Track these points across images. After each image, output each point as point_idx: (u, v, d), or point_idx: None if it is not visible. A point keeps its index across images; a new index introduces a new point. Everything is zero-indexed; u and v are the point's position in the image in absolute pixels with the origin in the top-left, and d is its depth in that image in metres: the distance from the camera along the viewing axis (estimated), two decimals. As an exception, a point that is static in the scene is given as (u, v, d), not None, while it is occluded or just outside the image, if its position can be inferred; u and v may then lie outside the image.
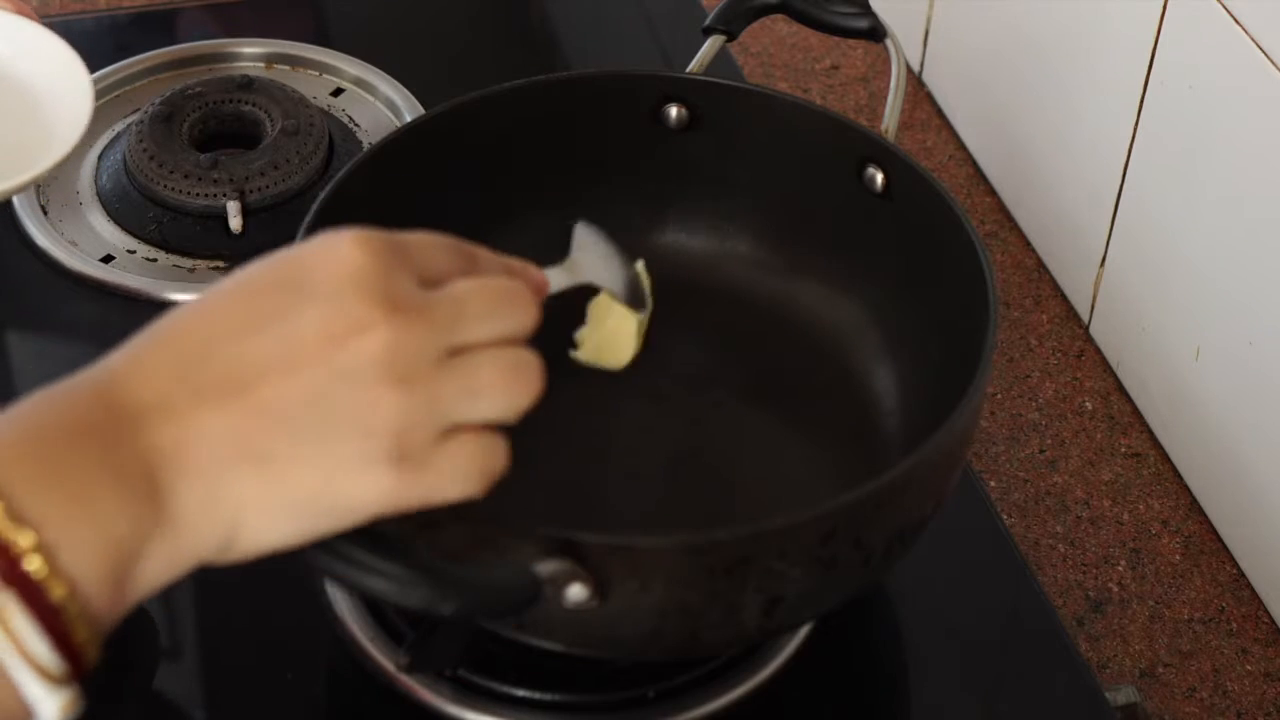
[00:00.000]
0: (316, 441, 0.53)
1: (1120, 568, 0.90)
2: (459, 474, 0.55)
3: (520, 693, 0.73)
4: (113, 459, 0.51)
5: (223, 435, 0.52)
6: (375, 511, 0.54)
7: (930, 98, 1.19)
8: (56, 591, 0.49)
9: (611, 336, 0.81)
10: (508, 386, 0.56)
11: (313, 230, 0.74)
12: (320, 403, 0.52)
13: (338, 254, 0.54)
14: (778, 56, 1.22)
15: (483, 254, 0.60)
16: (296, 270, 0.54)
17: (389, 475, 0.54)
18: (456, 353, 0.55)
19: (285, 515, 0.53)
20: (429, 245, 0.57)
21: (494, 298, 0.57)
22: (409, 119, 1.02)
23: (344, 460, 0.53)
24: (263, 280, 0.54)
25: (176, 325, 0.54)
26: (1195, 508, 0.93)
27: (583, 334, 0.82)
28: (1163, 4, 0.90)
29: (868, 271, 0.83)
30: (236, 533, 0.53)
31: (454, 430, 0.55)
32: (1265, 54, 0.83)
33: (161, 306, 0.91)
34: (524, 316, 0.58)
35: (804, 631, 0.76)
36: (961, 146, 1.15)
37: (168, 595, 0.80)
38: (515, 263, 0.61)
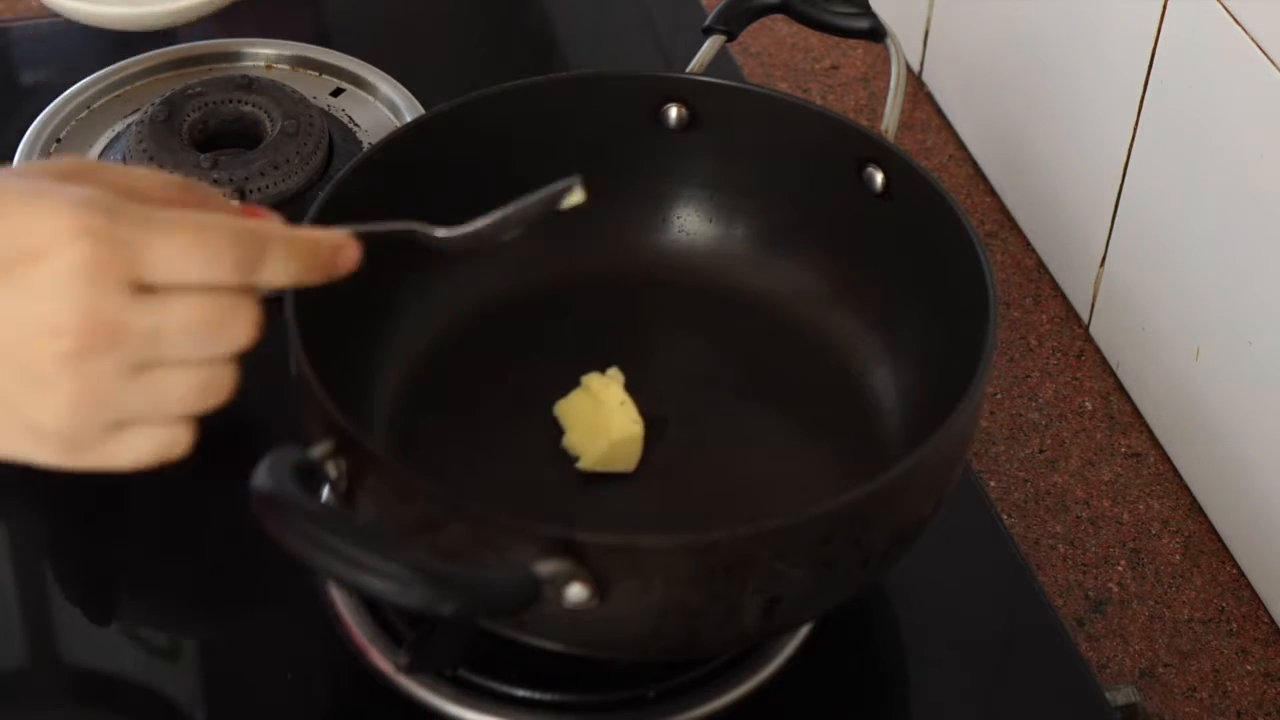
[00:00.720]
0: None
1: (1120, 568, 0.90)
2: (131, 458, 0.57)
3: (520, 693, 0.73)
4: None
5: None
6: (42, 466, 0.57)
7: (930, 98, 1.19)
8: None
9: (619, 445, 0.78)
10: (190, 401, 0.57)
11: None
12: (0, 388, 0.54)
13: (56, 245, 0.53)
14: (778, 56, 1.22)
15: (274, 244, 0.58)
16: (13, 240, 0.53)
17: (56, 452, 0.56)
18: (151, 365, 0.55)
19: None
20: (176, 255, 0.55)
21: (201, 324, 0.56)
22: (409, 119, 1.02)
23: (13, 430, 0.55)
24: None
25: None
26: (1195, 508, 0.93)
27: (574, 441, 0.79)
28: (1163, 4, 0.90)
29: (867, 271, 0.83)
30: None
31: (140, 421, 0.57)
32: (1265, 54, 0.83)
33: (161, 306, 0.91)
34: (231, 342, 0.57)
35: (804, 631, 0.76)
36: (961, 146, 1.15)
37: (167, 595, 0.80)
38: (315, 246, 0.59)
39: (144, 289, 0.55)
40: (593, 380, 0.79)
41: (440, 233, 0.67)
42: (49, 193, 0.54)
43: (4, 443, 0.56)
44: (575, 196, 0.69)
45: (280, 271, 0.58)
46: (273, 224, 0.59)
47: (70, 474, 0.83)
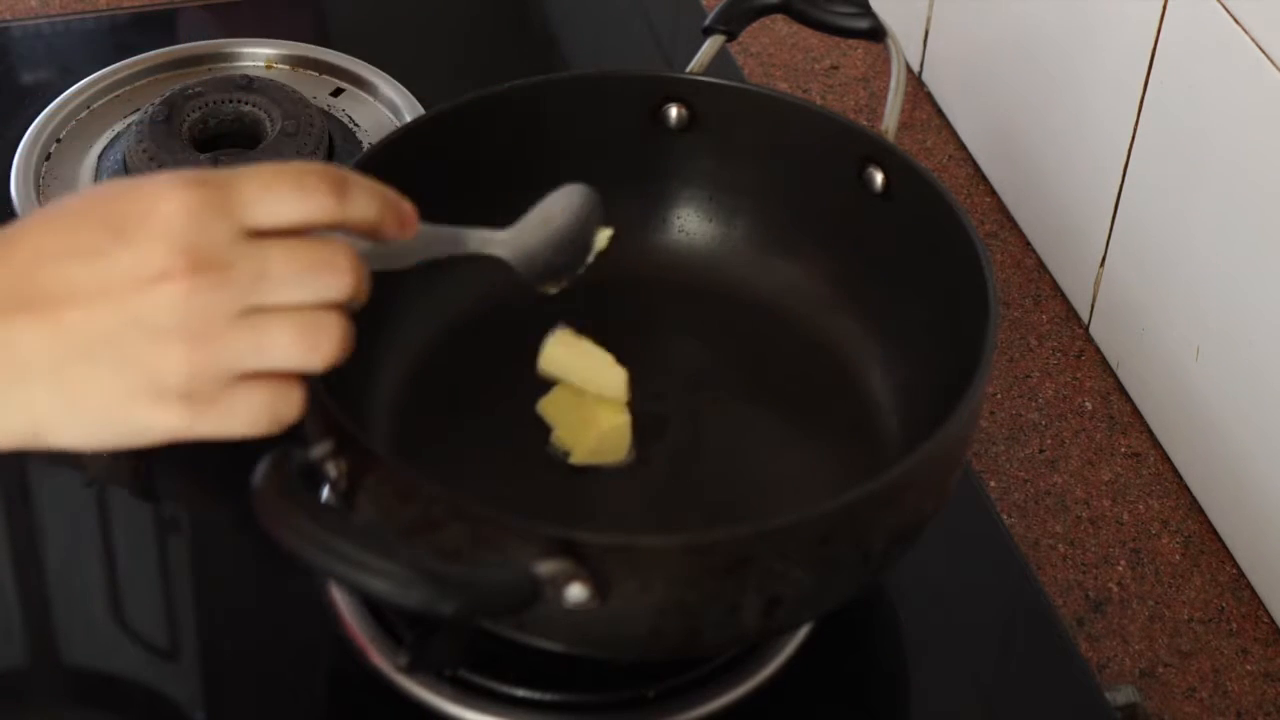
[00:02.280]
0: (111, 375, 0.57)
1: (1120, 568, 0.90)
2: (247, 417, 0.58)
3: (520, 693, 0.73)
4: None
5: (29, 347, 0.56)
6: (168, 437, 0.58)
7: (930, 98, 1.19)
8: None
9: (607, 436, 0.78)
10: (299, 348, 0.58)
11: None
12: (116, 341, 0.56)
13: (159, 200, 0.57)
14: (778, 56, 1.22)
15: (354, 184, 0.61)
16: (122, 209, 0.57)
17: (177, 411, 0.57)
18: (259, 310, 0.58)
19: (83, 427, 0.58)
20: (270, 193, 0.58)
21: (304, 264, 0.58)
22: (409, 119, 1.02)
23: (135, 394, 0.57)
24: (93, 212, 0.58)
25: (11, 237, 0.58)
26: (1195, 508, 0.93)
27: (562, 437, 0.79)
28: (1163, 4, 0.90)
29: (868, 271, 0.83)
30: (38, 435, 0.58)
31: (248, 375, 0.58)
32: (1265, 54, 0.83)
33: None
34: (335, 286, 0.59)
35: (804, 631, 0.76)
36: (961, 146, 1.15)
37: (166, 595, 0.80)
38: (389, 196, 0.62)
39: (248, 234, 0.58)
40: None
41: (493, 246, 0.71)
42: (146, 176, 0.58)
43: (128, 409, 0.57)
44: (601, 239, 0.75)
45: (362, 209, 0.60)
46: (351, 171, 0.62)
47: (66, 474, 0.84)
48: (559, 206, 0.73)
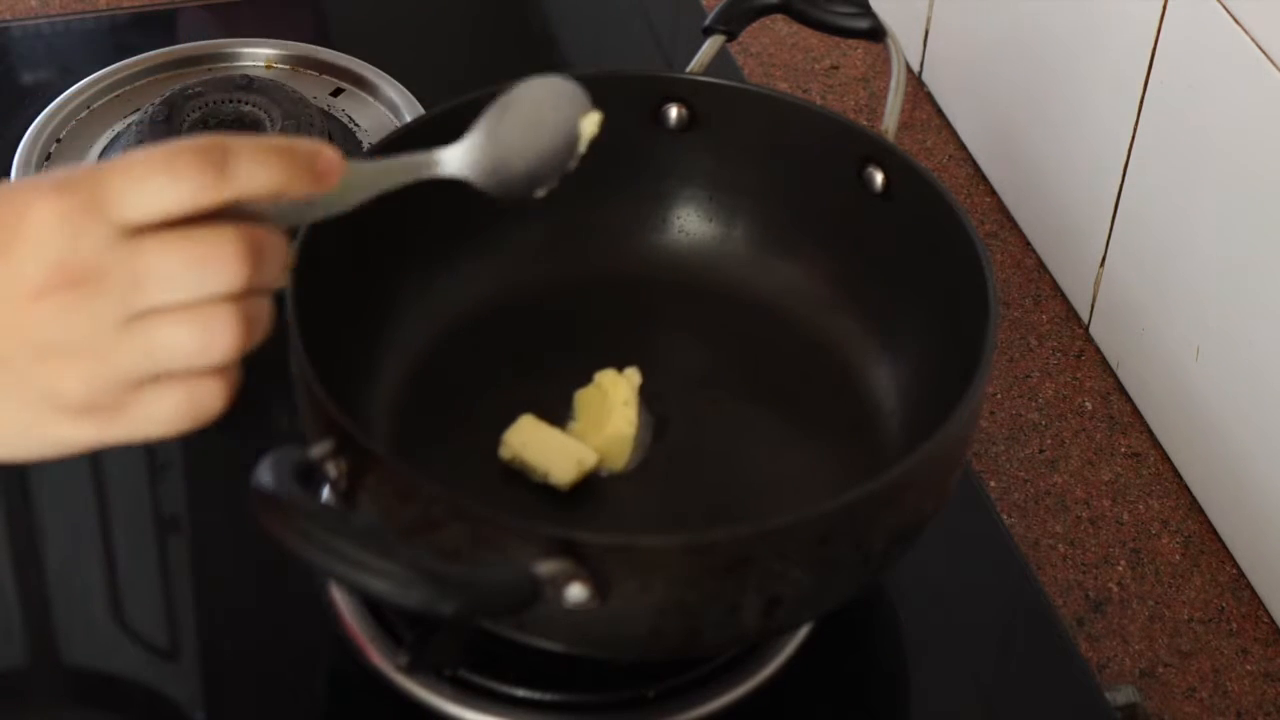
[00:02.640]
0: (12, 394, 0.55)
1: (1120, 568, 0.90)
2: (162, 419, 0.56)
3: (520, 693, 0.73)
4: None
5: None
6: (89, 447, 0.57)
7: (930, 98, 1.19)
8: None
9: (609, 442, 0.78)
10: (193, 347, 0.55)
11: (311, 235, 0.74)
12: (8, 363, 0.55)
13: (27, 210, 0.53)
14: (778, 56, 1.22)
15: (238, 152, 0.55)
16: None
17: (85, 424, 0.56)
18: (146, 313, 0.54)
19: (4, 444, 0.57)
20: (140, 185, 0.54)
21: (183, 260, 0.54)
22: (409, 119, 1.02)
23: (41, 412, 0.55)
24: None
25: None
26: (1195, 508, 0.93)
27: (576, 430, 0.79)
28: (1163, 4, 0.90)
29: (867, 271, 0.83)
30: None
31: (156, 378, 0.55)
32: (1265, 54, 0.83)
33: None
34: (223, 277, 0.55)
35: (804, 631, 0.76)
36: (961, 146, 1.15)
37: (167, 594, 0.80)
38: (296, 152, 0.57)
39: (124, 234, 0.54)
40: (605, 376, 0.79)
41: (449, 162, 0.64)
42: (19, 181, 0.56)
43: (38, 427, 0.56)
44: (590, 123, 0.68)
45: (251, 179, 0.55)
46: (237, 137, 0.56)
47: (66, 474, 0.84)
48: (527, 105, 0.65)
